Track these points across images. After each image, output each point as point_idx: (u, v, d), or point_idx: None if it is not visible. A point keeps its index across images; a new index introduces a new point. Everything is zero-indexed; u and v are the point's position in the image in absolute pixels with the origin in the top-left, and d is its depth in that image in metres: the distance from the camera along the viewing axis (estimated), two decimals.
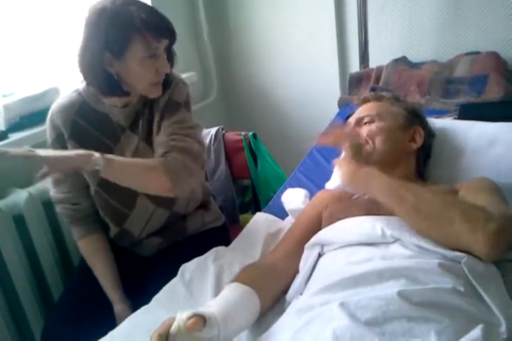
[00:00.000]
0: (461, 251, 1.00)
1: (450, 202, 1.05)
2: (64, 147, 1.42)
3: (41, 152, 1.13)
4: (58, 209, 1.52)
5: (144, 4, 1.30)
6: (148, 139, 1.43)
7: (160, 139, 1.37)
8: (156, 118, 1.41)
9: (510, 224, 1.00)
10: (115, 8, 1.24)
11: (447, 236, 1.01)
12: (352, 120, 1.40)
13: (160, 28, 1.28)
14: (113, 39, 1.24)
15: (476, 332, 0.82)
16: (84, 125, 1.42)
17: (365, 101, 1.46)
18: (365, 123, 1.37)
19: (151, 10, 1.29)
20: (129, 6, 1.25)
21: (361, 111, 1.41)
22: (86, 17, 1.27)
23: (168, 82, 1.41)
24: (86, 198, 1.50)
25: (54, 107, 1.43)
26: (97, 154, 1.19)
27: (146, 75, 1.31)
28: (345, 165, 1.20)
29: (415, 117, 1.41)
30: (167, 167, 1.27)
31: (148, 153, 1.43)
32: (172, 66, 1.41)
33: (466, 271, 0.96)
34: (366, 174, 1.15)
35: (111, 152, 1.41)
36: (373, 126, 1.34)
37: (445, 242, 1.01)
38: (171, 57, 1.39)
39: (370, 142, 1.31)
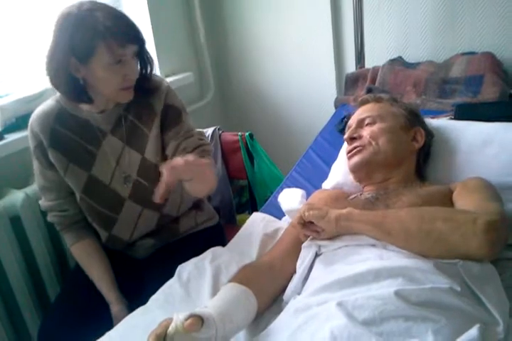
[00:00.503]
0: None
1: (432, 217, 1.04)
2: (45, 155, 1.42)
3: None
4: (48, 217, 1.52)
5: (111, 9, 1.28)
6: (134, 144, 1.43)
7: (186, 144, 1.40)
8: (155, 123, 1.42)
9: (498, 219, 1.00)
10: (80, 14, 1.23)
11: (445, 251, 1.01)
12: (352, 122, 1.40)
13: (125, 35, 1.26)
14: (78, 45, 1.23)
15: (473, 331, 0.82)
16: (64, 132, 1.41)
17: (364, 102, 1.46)
18: (367, 124, 1.37)
19: (117, 16, 1.27)
20: (95, 12, 1.23)
21: (361, 113, 1.41)
22: (55, 21, 1.26)
23: (149, 86, 1.41)
24: (73, 204, 1.49)
25: (33, 115, 1.43)
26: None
27: (112, 81, 1.30)
28: (323, 224, 1.14)
29: (415, 118, 1.42)
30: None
31: (133, 158, 1.43)
32: (151, 70, 1.41)
33: (462, 273, 0.96)
34: (339, 219, 1.12)
35: (94, 158, 1.42)
36: (375, 127, 1.34)
37: (447, 257, 1.00)
38: (148, 61, 1.38)
39: (374, 143, 1.31)
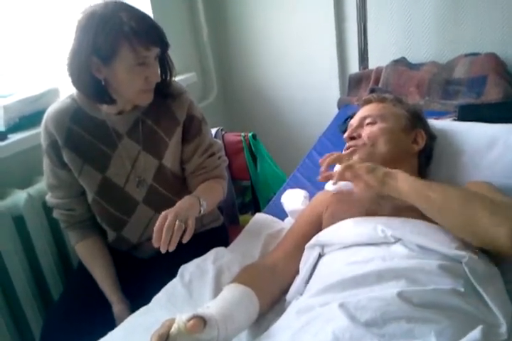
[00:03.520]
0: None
1: (473, 198, 1.03)
2: (58, 154, 1.41)
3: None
4: (54, 214, 1.53)
5: (136, 10, 1.27)
6: (151, 149, 1.43)
7: (207, 164, 1.49)
8: (177, 132, 1.43)
9: None
10: (105, 13, 1.22)
11: (473, 232, 1.00)
12: (354, 121, 1.40)
13: (150, 37, 1.25)
14: (101, 44, 1.22)
15: (476, 333, 0.82)
16: (80, 132, 1.40)
17: (368, 102, 1.46)
18: (368, 124, 1.36)
19: (142, 17, 1.26)
20: (120, 12, 1.22)
21: (363, 112, 1.41)
22: (78, 20, 1.25)
23: (169, 92, 1.42)
24: (81, 204, 1.49)
25: (48, 113, 1.42)
26: (194, 198, 1.32)
27: (134, 82, 1.29)
28: (370, 178, 1.12)
29: (418, 120, 1.41)
30: (224, 183, 1.53)
31: (149, 162, 1.43)
32: (171, 75, 1.40)
33: (467, 272, 0.96)
34: (387, 176, 1.11)
35: (109, 159, 1.42)
36: (375, 128, 1.33)
37: (470, 238, 1.01)
38: (167, 65, 1.38)
39: (370, 144, 1.30)
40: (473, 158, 1.42)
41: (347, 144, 1.37)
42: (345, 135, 1.38)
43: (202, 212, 1.31)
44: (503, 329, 0.87)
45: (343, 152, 1.38)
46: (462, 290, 0.92)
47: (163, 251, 1.14)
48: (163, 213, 1.19)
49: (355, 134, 1.35)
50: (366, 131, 1.34)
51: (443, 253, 1.00)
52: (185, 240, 1.18)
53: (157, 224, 1.16)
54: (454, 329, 0.83)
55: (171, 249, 1.14)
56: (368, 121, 1.36)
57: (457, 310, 0.88)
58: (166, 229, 1.14)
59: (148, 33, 1.24)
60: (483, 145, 1.43)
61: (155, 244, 1.14)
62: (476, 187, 1.20)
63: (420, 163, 1.38)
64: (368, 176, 1.11)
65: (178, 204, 1.27)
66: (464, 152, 1.44)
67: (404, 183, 1.09)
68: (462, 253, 0.99)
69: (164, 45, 1.31)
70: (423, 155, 1.38)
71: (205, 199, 1.33)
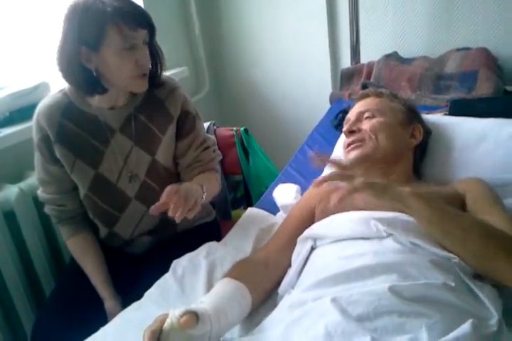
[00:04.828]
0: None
1: (492, 237, 0.99)
2: (50, 149, 1.40)
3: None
4: (45, 209, 1.52)
5: None
6: (144, 144, 1.42)
7: (203, 157, 1.49)
8: (170, 128, 1.43)
9: None
10: (87, 2, 1.22)
11: (487, 269, 0.99)
12: (351, 116, 1.40)
13: (134, 17, 1.24)
14: (87, 32, 1.22)
15: (466, 326, 0.82)
16: (72, 127, 1.39)
17: (365, 96, 1.46)
18: (366, 118, 1.36)
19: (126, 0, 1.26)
20: None
21: (360, 107, 1.40)
22: (63, 15, 1.25)
23: (159, 82, 1.41)
24: (73, 200, 1.48)
25: (39, 108, 1.40)
26: (197, 185, 1.28)
27: (125, 67, 1.28)
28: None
29: (414, 114, 1.42)
30: (218, 177, 1.53)
31: (142, 158, 1.43)
32: (162, 67, 1.40)
33: (457, 270, 0.97)
34: (396, 200, 1.01)
35: (101, 155, 1.41)
36: (375, 121, 1.33)
37: (482, 272, 1.00)
38: (157, 54, 1.37)
39: (373, 137, 1.30)
40: (464, 153, 1.43)
41: (349, 139, 1.35)
42: (345, 129, 1.37)
43: (203, 199, 1.28)
44: (494, 321, 0.87)
45: (345, 149, 1.36)
46: (453, 285, 0.93)
47: (172, 214, 1.10)
48: (171, 186, 1.14)
49: (354, 128, 1.35)
50: (366, 125, 1.33)
51: (434, 252, 1.01)
52: (190, 216, 1.15)
53: (166, 190, 1.11)
54: (445, 323, 0.84)
55: (179, 218, 1.10)
56: (366, 115, 1.36)
57: (448, 304, 0.89)
58: (178, 196, 1.10)
59: (132, 14, 1.24)
60: (474, 140, 1.44)
61: (161, 208, 1.10)
62: (471, 188, 1.19)
63: (415, 158, 1.38)
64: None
65: (183, 185, 1.22)
66: (455, 147, 1.45)
67: (417, 212, 1.01)
68: (453, 255, 1.00)
69: (151, 27, 1.30)
70: (418, 149, 1.39)
71: (206, 188, 1.31)
